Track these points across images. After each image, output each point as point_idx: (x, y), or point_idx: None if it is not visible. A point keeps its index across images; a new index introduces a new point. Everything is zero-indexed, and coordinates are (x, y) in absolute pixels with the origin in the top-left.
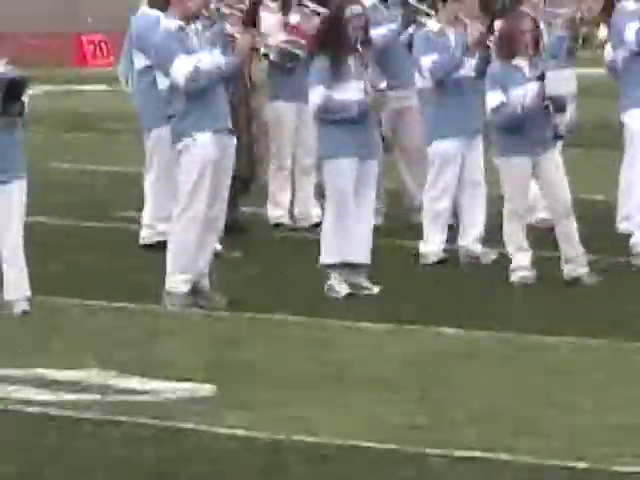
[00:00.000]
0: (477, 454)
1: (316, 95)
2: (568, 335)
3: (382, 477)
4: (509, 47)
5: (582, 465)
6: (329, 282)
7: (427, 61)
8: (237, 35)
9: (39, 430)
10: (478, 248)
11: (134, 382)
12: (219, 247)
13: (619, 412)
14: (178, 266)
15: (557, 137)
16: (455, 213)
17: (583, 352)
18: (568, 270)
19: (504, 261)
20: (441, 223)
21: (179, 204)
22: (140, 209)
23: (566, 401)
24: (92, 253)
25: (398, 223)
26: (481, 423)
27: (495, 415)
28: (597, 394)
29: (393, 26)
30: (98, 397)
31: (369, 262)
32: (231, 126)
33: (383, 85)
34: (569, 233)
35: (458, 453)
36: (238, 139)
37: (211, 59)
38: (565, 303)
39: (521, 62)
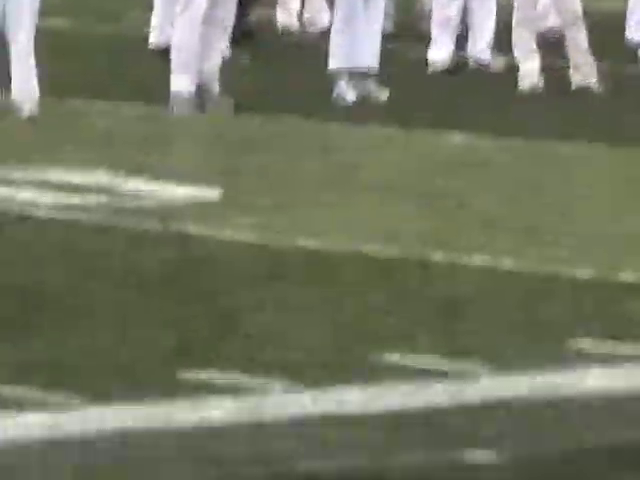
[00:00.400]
0: (483, 260)
1: None
2: (578, 142)
3: (386, 282)
4: None
5: (584, 272)
6: (337, 87)
7: None
8: None
9: (41, 232)
10: (487, 55)
11: (141, 184)
12: (227, 52)
13: (619, 221)
14: (181, 66)
15: None
16: (465, 20)
17: (593, 159)
18: (577, 78)
19: (513, 68)
20: (450, 30)
21: (179, 3)
22: (150, 11)
23: (567, 209)
24: (103, 56)
25: (408, 29)
26: (488, 229)
27: (504, 222)
28: (611, 201)
29: None
30: (104, 199)
31: (377, 66)
32: None
33: None
34: (578, 41)
35: (463, 259)
36: None
37: None
38: (575, 111)
39: None
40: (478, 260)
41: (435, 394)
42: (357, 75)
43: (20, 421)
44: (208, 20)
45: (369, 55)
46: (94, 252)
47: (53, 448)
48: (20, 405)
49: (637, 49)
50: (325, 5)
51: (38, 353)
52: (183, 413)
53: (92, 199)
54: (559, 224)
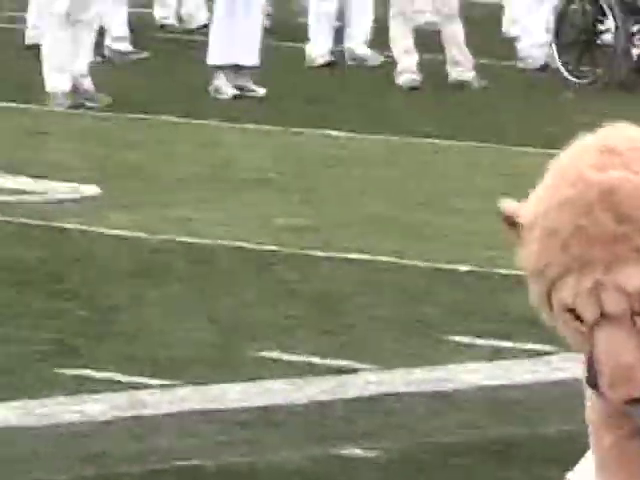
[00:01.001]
0: (360, 256)
1: None
2: (455, 139)
3: (265, 278)
4: None
5: (463, 268)
6: (215, 83)
7: None
8: None
9: None
10: (365, 50)
11: (21, 182)
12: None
13: (497, 216)
14: (53, 65)
15: None
16: (342, 15)
17: (470, 155)
18: (455, 73)
19: (390, 63)
20: (327, 24)
21: (44, 2)
22: (26, 9)
23: (446, 205)
24: None
25: (285, 24)
26: (367, 225)
27: (383, 218)
28: (484, 198)
29: None
30: None
31: (257, 64)
32: None
33: None
34: (455, 36)
35: (342, 254)
36: None
37: None
38: (452, 107)
39: None
40: (357, 255)
41: (315, 389)
42: (235, 71)
43: None
44: (75, 19)
45: (248, 52)
46: None
47: None
48: None
49: (513, 43)
50: (202, 2)
51: None
52: (61, 409)
53: None
54: (436, 219)
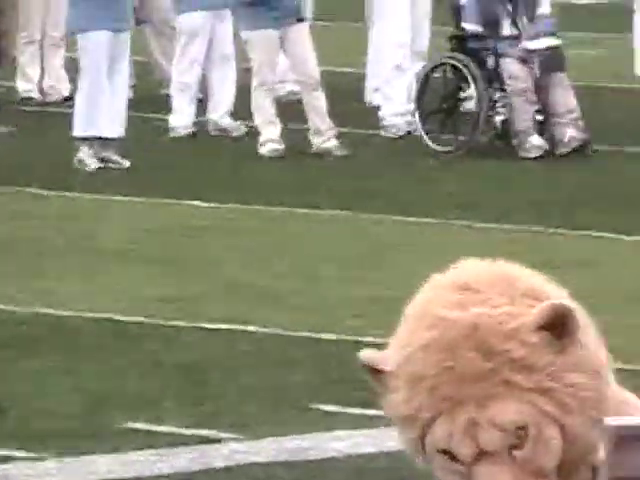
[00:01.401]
0: (224, 326)
1: None
2: (318, 208)
3: (129, 349)
4: None
5: (329, 336)
6: (79, 155)
7: None
8: None
9: None
10: (228, 121)
11: None
12: None
13: (362, 284)
14: None
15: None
16: (204, 86)
17: (330, 223)
18: (317, 142)
19: (253, 134)
20: (190, 95)
21: None
22: None
23: (312, 273)
24: None
25: (149, 96)
26: (233, 294)
27: (248, 286)
28: (342, 266)
29: None
30: None
31: (122, 135)
32: None
33: None
34: (317, 105)
35: (206, 324)
36: None
37: None
38: (315, 176)
39: None
40: (222, 325)
41: (181, 459)
42: (99, 143)
43: None
44: None
45: (112, 123)
46: None
47: None
48: None
49: (376, 112)
50: (64, 74)
51: None
52: None
53: None
54: (301, 287)
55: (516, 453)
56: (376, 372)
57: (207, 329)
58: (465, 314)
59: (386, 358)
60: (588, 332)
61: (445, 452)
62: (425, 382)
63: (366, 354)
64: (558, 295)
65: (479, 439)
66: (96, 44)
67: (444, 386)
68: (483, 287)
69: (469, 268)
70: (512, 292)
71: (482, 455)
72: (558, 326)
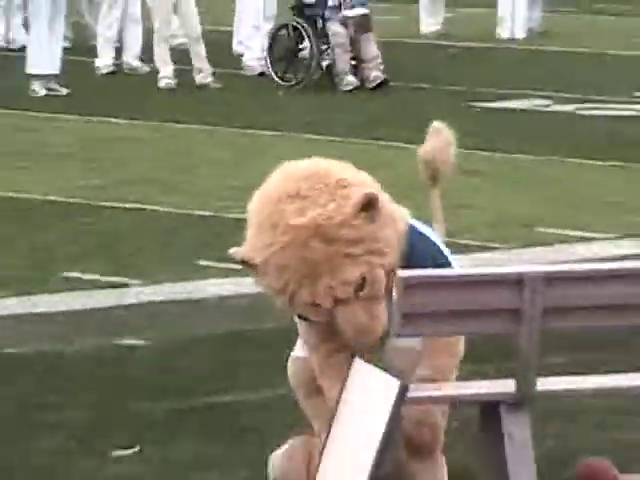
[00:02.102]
0: (135, 205)
1: None
2: (201, 124)
3: (68, 221)
4: None
5: (207, 213)
6: (32, 86)
7: None
8: None
9: None
10: (137, 63)
11: None
12: None
13: (230, 178)
14: None
15: None
16: (121, 37)
17: (209, 135)
18: (199, 78)
19: (154, 72)
20: (111, 45)
21: None
22: None
23: (197, 171)
24: None
25: (82, 46)
26: (137, 185)
27: (150, 178)
28: (216, 166)
29: None
30: None
31: (58, 71)
32: None
33: None
34: (199, 52)
35: (126, 205)
36: None
37: None
38: (197, 101)
39: None
40: (135, 204)
41: (101, 297)
42: (46, 77)
43: None
44: None
45: (54, 63)
46: None
47: None
48: None
49: (240, 58)
50: (21, 28)
51: None
52: None
53: None
54: (190, 179)
55: (361, 294)
56: (247, 264)
57: (126, 208)
58: (305, 219)
59: (252, 254)
60: (385, 204)
61: (311, 304)
62: (290, 268)
63: (237, 252)
64: (359, 179)
65: (336, 294)
66: (39, 6)
67: (304, 269)
68: (308, 192)
69: (293, 175)
70: (329, 188)
71: (338, 302)
72: (367, 206)
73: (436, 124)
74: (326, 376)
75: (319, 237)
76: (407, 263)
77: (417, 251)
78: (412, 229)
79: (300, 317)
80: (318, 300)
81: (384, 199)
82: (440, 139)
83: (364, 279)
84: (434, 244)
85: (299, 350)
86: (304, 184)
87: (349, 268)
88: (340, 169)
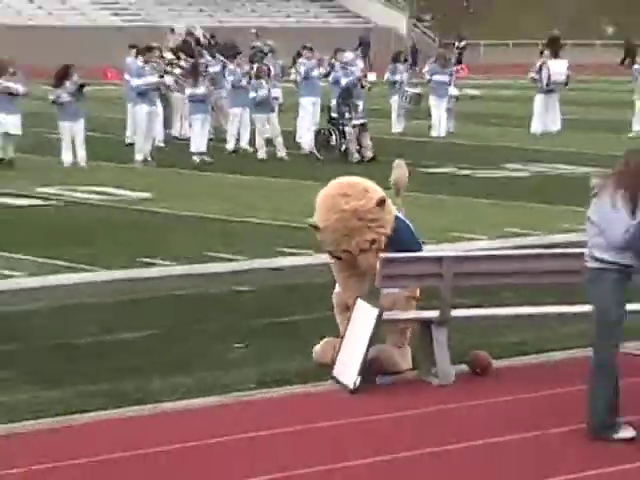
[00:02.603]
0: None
1: None
2: None
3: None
4: None
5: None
6: (194, 158)
7: None
8: None
9: None
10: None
11: None
12: None
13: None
14: None
15: None
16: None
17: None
18: (279, 154)
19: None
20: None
21: None
22: None
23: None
24: None
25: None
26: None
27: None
28: None
29: None
30: None
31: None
32: None
33: None
34: (280, 142)
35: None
36: None
37: None
38: (284, 165)
39: None
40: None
41: None
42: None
43: None
44: None
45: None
46: None
47: None
48: None
49: None
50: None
51: None
52: None
53: None
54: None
55: (372, 247)
56: (316, 227)
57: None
58: (349, 206)
59: (318, 223)
60: (388, 202)
61: (346, 251)
62: (337, 231)
63: (311, 221)
64: (374, 188)
65: (360, 247)
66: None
67: (344, 232)
68: (350, 192)
69: (341, 183)
70: (361, 191)
71: (361, 251)
72: (381, 202)
73: (398, 161)
74: (347, 291)
75: (355, 217)
76: (393, 236)
77: (400, 230)
78: (397, 218)
79: (336, 257)
80: (350, 249)
81: (387, 199)
82: (401, 170)
83: (374, 240)
84: (409, 227)
85: (337, 288)
86: (348, 189)
87: (368, 234)
88: (365, 183)
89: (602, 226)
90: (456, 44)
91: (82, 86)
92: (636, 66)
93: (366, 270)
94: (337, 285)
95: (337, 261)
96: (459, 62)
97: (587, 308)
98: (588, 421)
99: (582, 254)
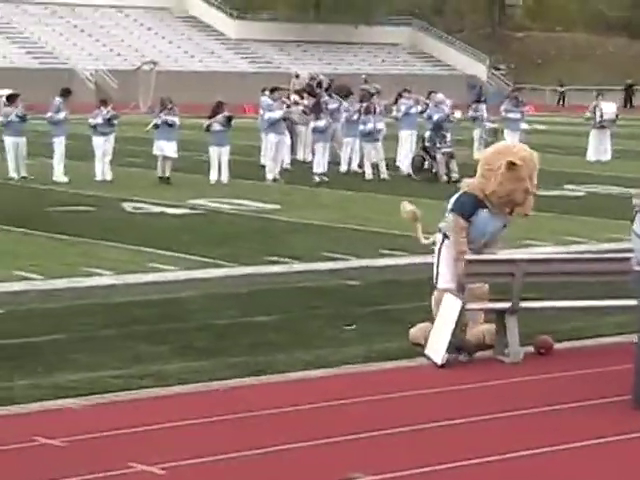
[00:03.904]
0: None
1: None
2: None
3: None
4: None
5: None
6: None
7: None
8: None
9: None
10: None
11: None
12: None
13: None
14: None
15: None
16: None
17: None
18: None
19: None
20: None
21: None
22: None
23: None
24: None
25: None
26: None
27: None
28: None
29: None
30: None
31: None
32: None
33: None
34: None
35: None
36: None
37: None
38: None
39: None
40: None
41: None
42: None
43: None
44: None
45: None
46: None
47: None
48: None
49: None
50: None
51: None
52: None
53: None
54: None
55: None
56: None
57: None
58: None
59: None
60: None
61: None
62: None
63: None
64: None
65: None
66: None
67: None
68: (521, 151)
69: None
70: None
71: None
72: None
73: (403, 202)
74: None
75: (535, 165)
76: None
77: None
78: None
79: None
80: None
81: None
82: (407, 207)
83: None
84: None
85: (443, 283)
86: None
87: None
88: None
89: None
90: (557, 89)
91: (230, 118)
92: None
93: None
94: (439, 280)
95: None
96: (562, 103)
97: (630, 302)
98: (633, 394)
99: (627, 258)
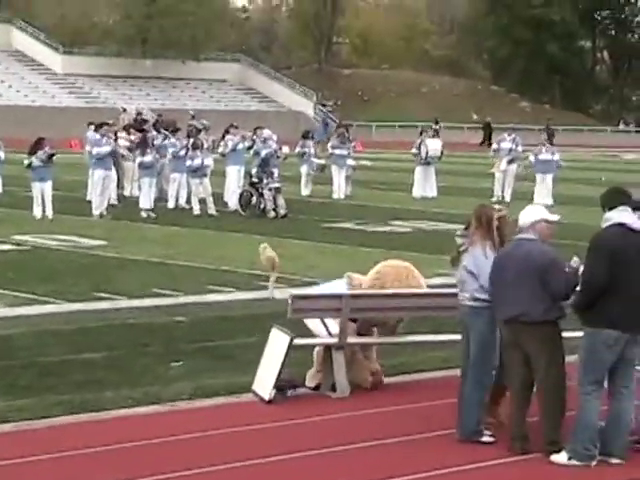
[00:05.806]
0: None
1: None
2: None
3: None
4: None
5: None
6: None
7: None
8: None
9: None
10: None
11: None
12: None
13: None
14: None
15: None
16: None
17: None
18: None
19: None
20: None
21: None
22: None
23: None
24: None
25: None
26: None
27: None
28: None
29: None
30: None
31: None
32: None
33: None
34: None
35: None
36: None
37: None
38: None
39: None
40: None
41: None
42: None
43: None
44: None
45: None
46: None
47: None
48: None
49: None
50: None
51: None
52: None
53: None
54: None
55: None
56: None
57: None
58: (402, 266)
59: (363, 282)
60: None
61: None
62: (391, 283)
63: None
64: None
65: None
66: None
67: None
68: (403, 269)
69: (389, 264)
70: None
71: None
72: None
73: (263, 245)
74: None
75: (410, 275)
76: None
77: None
78: None
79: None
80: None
81: None
82: (266, 252)
83: None
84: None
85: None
86: (402, 266)
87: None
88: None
89: (478, 272)
90: (433, 126)
91: (52, 155)
92: (494, 146)
93: None
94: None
95: None
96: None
97: (454, 337)
98: (457, 426)
99: (454, 294)
